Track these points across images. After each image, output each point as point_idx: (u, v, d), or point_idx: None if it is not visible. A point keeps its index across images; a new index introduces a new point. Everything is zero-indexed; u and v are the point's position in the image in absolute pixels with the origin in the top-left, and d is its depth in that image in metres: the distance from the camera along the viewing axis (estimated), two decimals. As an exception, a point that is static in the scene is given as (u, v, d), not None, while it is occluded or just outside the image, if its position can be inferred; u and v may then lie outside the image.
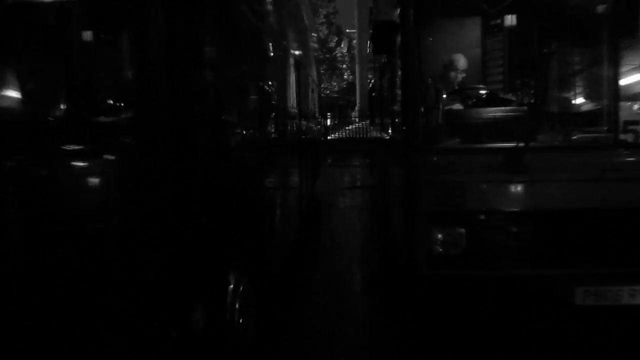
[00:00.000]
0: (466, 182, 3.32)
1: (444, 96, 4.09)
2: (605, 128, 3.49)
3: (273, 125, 4.23)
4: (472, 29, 4.72)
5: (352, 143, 21.30)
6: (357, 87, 28.43)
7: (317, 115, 11.15)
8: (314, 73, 10.32)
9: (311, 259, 5.86)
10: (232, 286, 2.80)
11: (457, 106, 4.07)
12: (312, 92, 9.28)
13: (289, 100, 5.33)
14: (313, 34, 12.82)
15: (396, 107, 4.55)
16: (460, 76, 4.32)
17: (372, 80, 10.04)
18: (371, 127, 11.63)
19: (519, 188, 3.31)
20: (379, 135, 8.35)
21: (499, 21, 4.50)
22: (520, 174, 3.29)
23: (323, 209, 9.28)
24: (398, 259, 4.09)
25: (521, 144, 3.36)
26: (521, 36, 4.32)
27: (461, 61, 4.32)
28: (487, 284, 3.38)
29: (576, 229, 3.28)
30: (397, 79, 4.39)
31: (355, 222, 7.96)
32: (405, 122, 3.57)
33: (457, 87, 4.27)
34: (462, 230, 3.35)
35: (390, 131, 5.18)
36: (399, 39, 3.71)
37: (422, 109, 3.52)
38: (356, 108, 28.31)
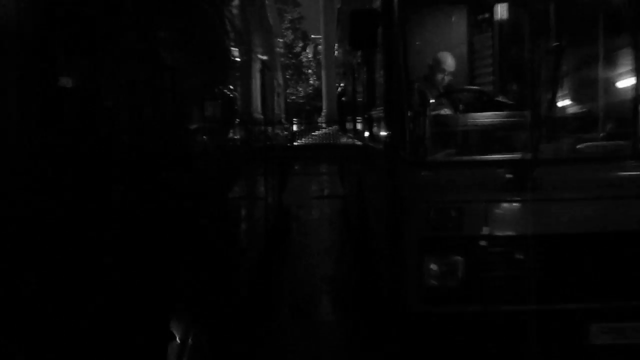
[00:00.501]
0: (465, 201, 2.78)
1: (431, 100, 3.57)
2: (622, 136, 3.01)
3: (233, 131, 3.81)
4: (458, 24, 4.22)
5: (319, 149, 20.76)
6: (324, 92, 27.97)
7: (283, 120, 10.66)
8: (279, 77, 10.01)
9: (279, 285, 5.22)
10: (177, 341, 2.17)
11: (445, 111, 3.55)
12: (278, 96, 8.93)
13: (252, 103, 4.89)
14: (279, 39, 12.49)
15: (374, 112, 4.00)
16: (447, 78, 3.80)
17: (342, 84, 9.51)
18: (340, 133, 11.11)
19: (526, 209, 2.79)
20: (349, 141, 7.83)
21: (487, 14, 4.02)
22: (528, 191, 2.77)
23: (291, 222, 8.68)
24: (383, 290, 3.52)
25: (528, 156, 2.85)
26: (515, 29, 3.83)
27: (448, 61, 3.80)
28: (489, 322, 2.84)
29: (593, 257, 2.78)
30: (377, 79, 3.84)
31: (327, 239, 7.35)
32: (392, 130, 3.02)
33: (442, 91, 3.75)
34: (460, 258, 2.81)
35: (366, 138, 4.63)
36: (380, 31, 3.16)
37: (410, 114, 2.96)
38: (323, 113, 27.82)
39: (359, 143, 5.87)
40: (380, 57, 3.71)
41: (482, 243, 2.80)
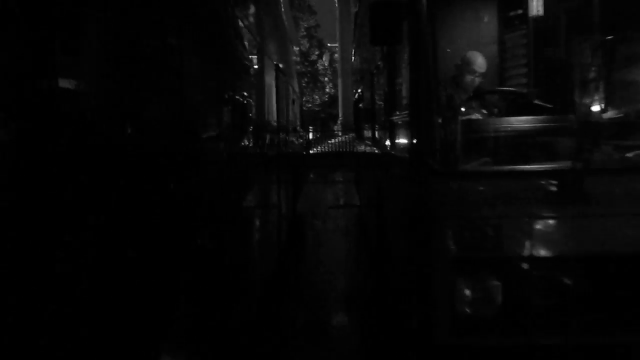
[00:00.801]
0: (503, 217, 2.42)
1: (461, 104, 3.23)
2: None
3: (246, 137, 3.67)
4: (488, 20, 3.86)
5: (335, 157, 20.48)
6: (340, 99, 27.73)
7: (298, 128, 10.43)
8: (294, 84, 9.91)
9: (290, 305, 4.87)
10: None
11: (477, 116, 3.20)
12: (293, 103, 8.77)
13: (266, 110, 4.79)
14: (295, 47, 12.42)
15: (397, 117, 3.66)
16: (478, 80, 3.45)
17: (359, 91, 9.19)
18: (357, 141, 10.79)
19: (575, 225, 2.42)
20: (367, 149, 7.50)
21: (521, 9, 3.66)
22: (576, 206, 2.41)
23: (306, 233, 8.35)
24: (405, 317, 3.16)
25: (575, 166, 2.49)
26: (552, 25, 3.47)
27: (479, 61, 3.45)
28: (531, 359, 2.47)
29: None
30: (400, 81, 3.50)
31: (343, 252, 6.99)
32: (418, 136, 2.67)
33: (471, 94, 3.40)
34: (498, 283, 2.44)
35: (386, 145, 4.29)
36: (404, 26, 2.83)
37: (439, 119, 2.62)
38: (339, 121, 27.54)
39: (377, 151, 5.54)
40: (403, 57, 3.38)
41: (524, 266, 2.44)
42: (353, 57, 11.38)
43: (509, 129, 2.68)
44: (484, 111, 3.29)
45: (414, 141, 2.74)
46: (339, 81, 28.06)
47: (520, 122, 2.72)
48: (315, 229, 8.72)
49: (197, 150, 2.32)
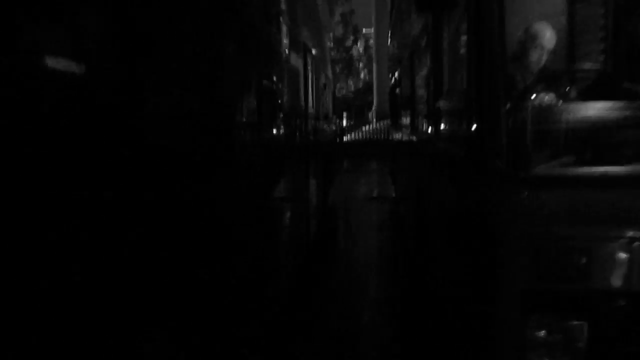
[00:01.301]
0: (594, 238, 1.82)
1: (527, 86, 2.61)
2: None
3: (276, 126, 3.51)
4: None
5: (369, 146, 19.87)
6: (375, 86, 26.97)
7: (330, 115, 9.96)
8: (328, 70, 9.58)
9: (318, 311, 4.34)
10: None
11: (549, 98, 2.57)
12: (326, 89, 8.35)
13: (297, 97, 4.56)
14: (329, 33, 12.14)
15: (444, 103, 3.07)
16: (546, 58, 2.81)
17: (395, 76, 8.55)
18: (393, 129, 10.16)
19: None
20: (403, 137, 6.91)
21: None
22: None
23: (339, 228, 7.81)
24: (453, 350, 2.57)
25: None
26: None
27: (547, 35, 2.81)
28: None
29: None
30: (450, 61, 2.91)
31: (379, 251, 6.39)
32: (477, 128, 2.08)
33: (539, 74, 2.77)
34: (583, 323, 1.85)
35: (428, 134, 3.70)
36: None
37: (506, 107, 2.02)
38: (373, 108, 26.80)
39: (415, 139, 4.92)
40: (453, 30, 2.78)
41: (620, 302, 1.83)
42: (390, 40, 10.71)
43: (601, 118, 2.05)
44: (556, 97, 2.66)
45: (470, 133, 2.14)
46: (374, 67, 27.26)
47: (613, 109, 2.09)
48: (348, 223, 8.16)
49: (223, 142, 2.16)
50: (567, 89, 2.62)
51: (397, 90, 7.70)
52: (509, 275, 1.89)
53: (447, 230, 2.80)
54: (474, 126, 2.11)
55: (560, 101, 2.51)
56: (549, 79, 2.69)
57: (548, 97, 2.55)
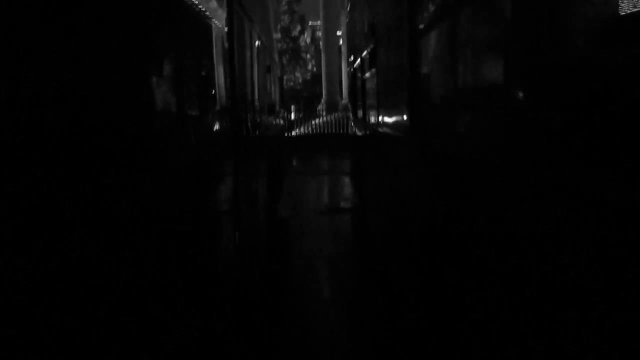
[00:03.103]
0: None
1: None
2: None
3: (210, 119, 2.91)
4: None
5: (321, 140, 19.05)
6: (324, 77, 26.24)
7: (277, 107, 9.17)
8: (275, 57, 8.85)
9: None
10: None
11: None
12: (273, 80, 7.68)
13: (238, 87, 3.71)
14: (276, 20, 11.48)
15: (440, 88, 2.38)
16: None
17: (354, 58, 7.79)
18: (352, 120, 9.31)
19: None
20: (368, 132, 6.21)
21: None
22: None
23: (292, 267, 5.61)
24: None
25: None
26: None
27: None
28: None
29: None
30: (439, 35, 2.23)
31: (346, 297, 4.70)
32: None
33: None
34: None
35: (410, 129, 3.01)
36: None
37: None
38: (322, 100, 26.08)
39: (391, 132, 4.11)
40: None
41: None
42: (348, 21, 9.94)
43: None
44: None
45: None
46: (322, 58, 26.46)
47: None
48: (303, 249, 6.26)
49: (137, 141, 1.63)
50: None
51: (359, 76, 6.90)
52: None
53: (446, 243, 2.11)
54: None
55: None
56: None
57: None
